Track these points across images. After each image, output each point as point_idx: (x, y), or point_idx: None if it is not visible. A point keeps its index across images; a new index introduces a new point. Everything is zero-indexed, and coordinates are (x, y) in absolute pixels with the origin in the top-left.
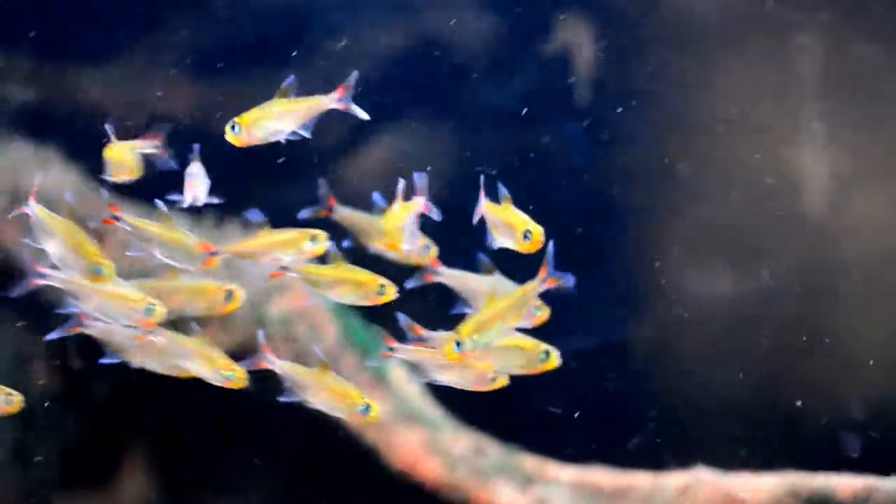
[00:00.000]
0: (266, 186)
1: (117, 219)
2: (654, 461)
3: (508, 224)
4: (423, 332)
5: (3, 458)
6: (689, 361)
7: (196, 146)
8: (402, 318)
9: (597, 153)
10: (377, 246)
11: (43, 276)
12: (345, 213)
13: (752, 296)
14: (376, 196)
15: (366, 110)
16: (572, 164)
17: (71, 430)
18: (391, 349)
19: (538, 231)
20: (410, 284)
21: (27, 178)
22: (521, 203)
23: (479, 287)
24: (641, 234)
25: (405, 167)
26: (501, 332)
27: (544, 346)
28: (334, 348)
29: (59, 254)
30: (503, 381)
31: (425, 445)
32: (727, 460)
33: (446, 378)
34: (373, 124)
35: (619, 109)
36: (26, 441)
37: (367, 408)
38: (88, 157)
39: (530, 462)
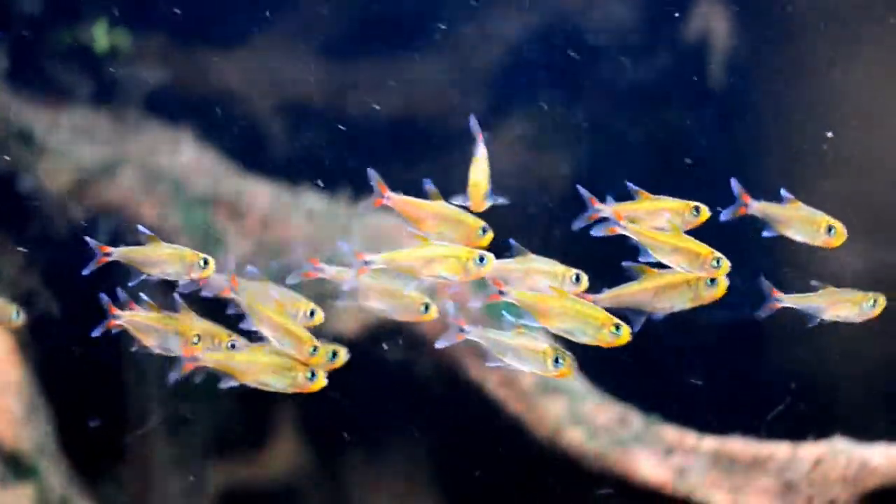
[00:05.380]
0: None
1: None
2: (794, 432)
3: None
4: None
5: (168, 423)
6: (829, 335)
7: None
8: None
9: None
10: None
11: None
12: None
13: (892, 271)
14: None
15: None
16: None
17: (229, 397)
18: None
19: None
20: None
21: (163, 158)
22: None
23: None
24: None
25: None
26: None
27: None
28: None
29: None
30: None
31: (568, 415)
32: (866, 431)
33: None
34: (508, 107)
35: (761, 91)
36: (189, 408)
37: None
38: (222, 138)
39: (671, 432)
